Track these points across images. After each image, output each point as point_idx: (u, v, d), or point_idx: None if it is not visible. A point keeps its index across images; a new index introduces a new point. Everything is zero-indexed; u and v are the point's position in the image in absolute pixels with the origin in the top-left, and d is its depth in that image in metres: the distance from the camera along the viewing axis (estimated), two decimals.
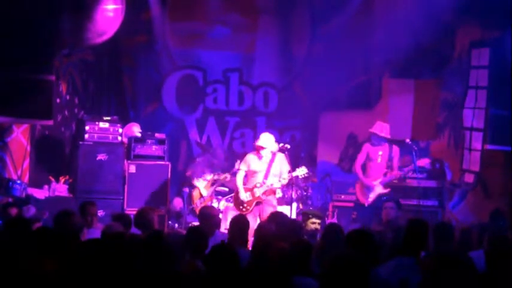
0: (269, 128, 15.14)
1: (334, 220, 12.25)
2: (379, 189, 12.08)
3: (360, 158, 12.37)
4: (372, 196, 12.08)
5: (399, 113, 14.03)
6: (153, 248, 6.11)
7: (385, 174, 12.14)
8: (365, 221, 11.77)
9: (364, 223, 11.37)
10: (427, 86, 14.05)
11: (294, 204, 11.81)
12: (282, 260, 5.86)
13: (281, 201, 12.47)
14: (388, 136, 12.20)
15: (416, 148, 12.08)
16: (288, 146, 11.67)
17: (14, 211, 9.63)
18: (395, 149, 12.18)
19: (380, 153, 12.18)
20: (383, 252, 6.98)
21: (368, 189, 12.18)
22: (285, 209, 11.24)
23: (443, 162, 13.09)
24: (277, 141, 12.38)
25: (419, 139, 13.59)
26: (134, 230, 8.26)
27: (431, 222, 8.05)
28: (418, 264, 6.43)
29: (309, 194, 13.14)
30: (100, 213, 10.10)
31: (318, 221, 8.90)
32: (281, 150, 11.66)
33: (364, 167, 12.34)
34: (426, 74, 14.13)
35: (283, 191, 12.74)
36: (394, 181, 12.20)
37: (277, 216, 8.52)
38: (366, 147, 12.33)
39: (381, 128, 12.21)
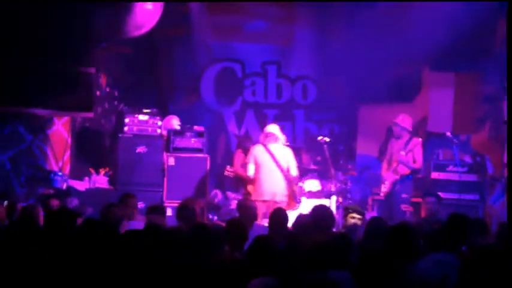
0: (307, 121, 15.15)
1: (374, 213, 12.19)
2: (390, 178, 11.97)
3: (387, 156, 12.31)
4: (385, 185, 11.99)
5: (439, 106, 13.93)
6: (197, 240, 6.18)
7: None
8: (382, 212, 11.72)
9: (381, 214, 11.32)
10: (468, 79, 13.93)
11: (333, 198, 11.80)
12: (317, 253, 5.85)
13: (320, 194, 12.46)
14: (410, 128, 12.09)
15: (457, 141, 11.98)
16: (327, 139, 11.65)
17: (55, 203, 9.72)
18: (416, 141, 12.00)
19: (398, 146, 12.07)
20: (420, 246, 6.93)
21: (383, 180, 12.13)
22: (324, 202, 11.18)
23: (485, 155, 12.97)
24: (316, 134, 12.40)
25: (460, 132, 13.49)
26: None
27: (471, 217, 7.99)
28: (458, 259, 6.37)
29: (348, 187, 13.10)
30: (140, 205, 10.16)
31: (358, 216, 8.85)
32: (320, 143, 11.66)
33: (389, 161, 12.23)
34: (466, 67, 14.00)
35: (322, 184, 12.73)
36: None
37: (317, 209, 8.48)
38: (391, 143, 12.26)
39: (403, 119, 12.11)
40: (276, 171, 11.06)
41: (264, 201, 10.81)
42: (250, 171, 11.17)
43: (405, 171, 11.91)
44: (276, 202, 10.81)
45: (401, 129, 12.04)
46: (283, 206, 10.86)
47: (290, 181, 11.10)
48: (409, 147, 11.85)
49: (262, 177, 11.08)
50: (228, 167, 12.44)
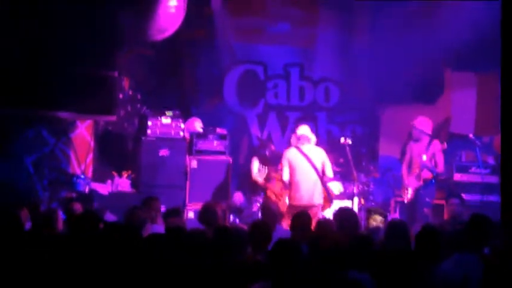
0: (330, 123, 15.12)
1: (396, 215, 12.16)
2: (413, 184, 11.91)
3: (406, 158, 12.25)
4: (409, 192, 11.93)
5: (462, 107, 13.87)
6: (220, 243, 6.21)
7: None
8: (405, 217, 11.66)
9: (404, 218, 11.27)
10: (491, 80, 13.82)
11: (356, 199, 11.76)
12: (338, 254, 5.85)
13: (342, 196, 12.44)
14: (429, 131, 12.02)
15: (479, 143, 11.91)
16: (350, 141, 11.63)
17: (77, 207, 9.75)
18: (436, 144, 11.94)
19: (418, 150, 12.01)
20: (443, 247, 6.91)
21: (406, 187, 12.06)
22: (346, 204, 11.16)
23: None
24: (338, 136, 12.36)
25: (482, 134, 13.42)
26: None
27: (494, 218, 7.94)
28: (480, 260, 6.36)
29: (370, 189, 13.08)
30: (162, 208, 10.17)
31: (379, 218, 8.82)
32: (342, 145, 11.63)
33: (410, 165, 12.18)
34: (489, 67, 13.91)
35: (344, 186, 12.71)
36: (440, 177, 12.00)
37: (342, 211, 8.46)
38: (410, 145, 12.19)
39: (421, 122, 12.04)
40: (311, 174, 10.93)
41: (302, 205, 10.65)
42: (285, 176, 11.05)
43: (428, 175, 11.85)
44: (314, 205, 10.76)
45: (419, 132, 11.96)
46: (320, 207, 10.89)
47: (325, 182, 11.06)
48: (431, 151, 11.79)
49: (298, 181, 10.91)
50: (254, 172, 12.42)
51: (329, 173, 11.12)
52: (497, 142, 13.33)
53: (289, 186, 11.06)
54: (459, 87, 14.06)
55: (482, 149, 12.08)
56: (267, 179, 12.20)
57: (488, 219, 7.39)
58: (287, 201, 11.25)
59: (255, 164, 12.55)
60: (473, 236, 6.84)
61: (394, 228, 7.48)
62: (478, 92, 13.90)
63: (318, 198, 10.94)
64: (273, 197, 12.00)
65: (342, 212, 8.34)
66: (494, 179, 12.60)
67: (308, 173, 10.94)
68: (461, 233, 7.04)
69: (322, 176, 11.00)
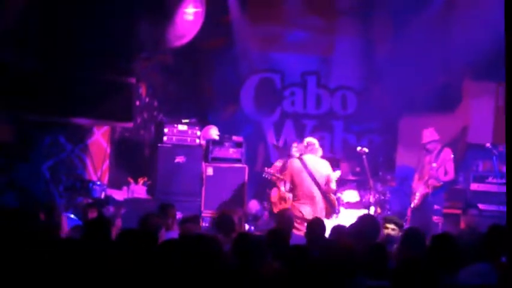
0: (346, 132, 15.09)
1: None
2: (421, 190, 11.85)
3: (418, 166, 12.21)
4: (416, 197, 11.86)
5: (480, 117, 13.81)
6: (240, 250, 6.20)
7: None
8: (413, 223, 11.56)
9: (413, 225, 11.17)
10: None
11: (372, 208, 11.71)
12: (350, 262, 5.82)
13: (359, 204, 12.41)
14: (437, 138, 11.97)
15: (496, 153, 11.85)
16: (367, 150, 11.58)
17: (93, 213, 9.75)
18: (447, 152, 11.89)
19: (429, 158, 11.96)
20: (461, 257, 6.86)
21: (414, 192, 12.01)
22: (363, 213, 11.10)
23: None
24: (355, 144, 12.31)
25: (500, 143, 13.33)
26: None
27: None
28: (497, 270, 6.31)
29: (386, 198, 13.02)
30: (178, 215, 10.16)
31: (391, 226, 8.75)
32: (359, 153, 11.58)
33: (421, 173, 12.11)
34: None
35: (360, 195, 12.67)
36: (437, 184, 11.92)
37: (363, 219, 8.39)
38: (423, 155, 12.15)
39: (427, 135, 12.01)
40: (313, 189, 10.79)
41: (306, 219, 10.52)
42: (286, 187, 11.02)
43: (437, 183, 11.81)
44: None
45: (434, 144, 11.96)
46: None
47: (326, 193, 10.92)
48: (441, 159, 11.74)
49: (300, 195, 10.78)
50: (266, 168, 12.30)
51: (333, 185, 11.00)
52: None
53: (293, 195, 10.97)
54: (478, 96, 14.00)
55: (499, 158, 12.00)
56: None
57: (506, 230, 7.34)
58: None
59: (278, 163, 12.53)
60: (490, 246, 6.79)
61: (410, 237, 7.43)
62: (496, 101, 13.82)
63: (320, 213, 10.78)
64: (276, 199, 11.94)
65: (365, 220, 8.28)
66: None
67: (309, 185, 10.76)
68: (479, 243, 6.99)
69: (323, 188, 10.85)
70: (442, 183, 11.79)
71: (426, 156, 11.99)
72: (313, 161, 10.85)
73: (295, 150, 11.45)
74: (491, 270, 6.30)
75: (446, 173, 11.82)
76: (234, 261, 6.23)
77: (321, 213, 10.67)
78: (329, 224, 10.74)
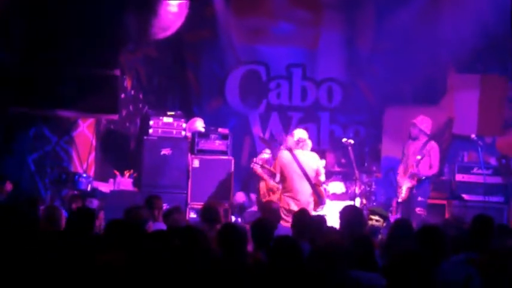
0: (333, 123, 15.10)
1: (399, 216, 12.12)
2: (407, 184, 11.88)
3: (402, 157, 12.21)
4: (403, 191, 11.89)
5: (465, 108, 13.86)
6: (226, 241, 6.21)
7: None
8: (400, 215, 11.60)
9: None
10: (494, 81, 13.84)
11: (358, 200, 11.75)
12: (340, 254, 5.83)
13: (344, 196, 12.44)
14: (428, 131, 11.98)
15: (481, 144, 11.90)
16: (352, 142, 11.60)
17: (78, 205, 9.76)
18: (432, 145, 11.89)
19: (414, 148, 11.96)
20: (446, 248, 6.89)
21: (400, 185, 12.02)
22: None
23: (510, 157, 12.87)
24: (341, 136, 12.33)
25: (485, 134, 13.41)
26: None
27: (496, 219, 7.93)
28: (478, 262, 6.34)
29: (372, 189, 13.06)
30: (164, 207, 10.18)
31: (375, 217, 8.79)
32: (345, 145, 11.60)
33: (405, 164, 12.12)
34: (493, 69, 13.92)
35: (346, 186, 12.70)
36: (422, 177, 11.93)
37: (347, 209, 8.41)
38: (407, 144, 12.15)
39: (422, 121, 12.00)
40: (303, 181, 10.84)
41: (294, 211, 10.50)
42: (276, 179, 11.04)
43: (420, 177, 11.82)
44: None
45: (419, 131, 11.93)
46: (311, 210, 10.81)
47: (315, 185, 10.95)
48: (425, 151, 11.74)
49: (290, 187, 10.80)
50: (254, 159, 12.33)
51: (322, 178, 11.05)
52: (500, 143, 13.34)
53: (282, 187, 10.99)
54: (462, 88, 14.04)
55: (484, 149, 12.07)
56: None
57: (492, 220, 7.39)
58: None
59: (265, 155, 12.53)
60: (476, 236, 6.83)
61: (399, 228, 7.46)
62: (481, 93, 13.88)
63: (307, 203, 10.80)
64: (264, 191, 11.96)
65: (348, 210, 8.30)
66: (496, 180, 12.59)
67: (299, 178, 10.78)
68: (464, 234, 7.02)
69: (313, 182, 10.88)
70: (425, 177, 11.80)
71: (411, 146, 12.00)
72: (302, 154, 10.88)
73: (290, 142, 11.42)
74: (477, 261, 6.32)
75: (431, 166, 11.84)
76: (218, 252, 6.25)
77: (309, 205, 10.71)
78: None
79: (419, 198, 11.82)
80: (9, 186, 10.70)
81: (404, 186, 11.82)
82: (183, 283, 5.41)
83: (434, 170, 11.92)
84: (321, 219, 8.21)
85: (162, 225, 8.27)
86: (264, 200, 11.79)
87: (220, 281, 5.47)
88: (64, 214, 8.26)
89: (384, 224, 8.86)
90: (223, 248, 6.29)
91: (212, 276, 5.49)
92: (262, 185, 12.05)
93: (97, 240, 6.46)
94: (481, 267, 5.85)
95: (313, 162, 10.90)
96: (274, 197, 11.57)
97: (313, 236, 7.46)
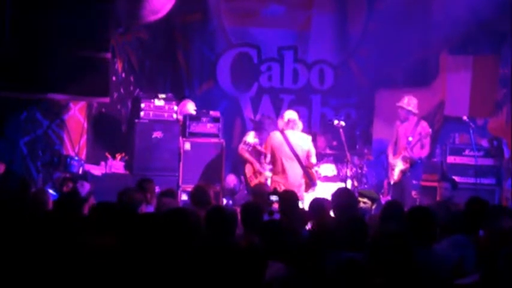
0: (325, 106, 15.10)
1: (389, 198, 12.15)
2: (400, 165, 11.87)
3: (392, 137, 12.20)
4: (395, 173, 11.90)
5: (457, 90, 13.88)
6: (214, 223, 6.21)
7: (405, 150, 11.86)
8: (392, 198, 11.59)
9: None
10: (486, 62, 13.86)
11: (349, 182, 11.77)
12: (332, 236, 5.85)
13: (336, 178, 12.46)
14: (416, 110, 11.96)
15: (473, 125, 11.92)
16: (344, 124, 11.60)
17: (69, 187, 9.76)
18: (424, 126, 11.88)
19: (405, 130, 11.95)
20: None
21: (392, 167, 12.02)
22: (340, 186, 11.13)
23: (502, 139, 12.90)
24: (332, 118, 12.33)
25: (477, 116, 13.43)
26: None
27: (488, 201, 7.96)
28: (475, 243, 6.36)
29: (363, 171, 13.08)
30: (156, 189, 10.18)
31: (363, 200, 8.82)
32: (336, 127, 11.61)
33: (396, 145, 12.12)
34: (485, 50, 13.93)
35: (337, 169, 12.72)
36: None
37: (339, 192, 8.42)
38: (396, 126, 12.14)
39: (408, 102, 11.97)
40: (293, 161, 10.87)
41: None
42: (267, 159, 11.04)
43: (415, 159, 11.81)
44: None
45: (407, 113, 11.91)
46: (302, 192, 10.82)
47: (307, 167, 10.97)
48: (418, 133, 11.72)
49: (281, 169, 10.83)
50: (246, 141, 12.29)
51: (313, 159, 11.07)
52: (492, 124, 13.37)
53: (273, 169, 11.00)
54: (454, 70, 14.05)
55: (476, 131, 12.09)
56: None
57: (485, 202, 7.42)
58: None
59: (250, 136, 12.51)
60: (469, 218, 6.85)
61: (390, 210, 7.48)
62: (473, 74, 13.89)
63: (299, 185, 10.82)
64: (251, 174, 11.98)
65: (340, 193, 8.31)
66: (487, 162, 12.62)
67: (290, 160, 10.82)
68: (457, 216, 7.04)
69: (304, 163, 10.89)
70: (415, 161, 11.80)
71: (401, 128, 11.98)
72: (293, 135, 10.89)
73: (280, 123, 11.41)
74: (470, 243, 6.35)
75: (422, 146, 11.84)
76: (207, 234, 6.24)
77: (301, 187, 10.73)
78: (307, 198, 10.86)
79: (414, 182, 11.86)
80: (1, 168, 10.69)
81: (397, 169, 11.81)
82: (173, 265, 5.41)
83: (426, 150, 11.92)
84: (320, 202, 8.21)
85: (153, 208, 8.28)
86: (251, 183, 11.82)
87: (210, 262, 5.48)
88: (53, 197, 8.24)
89: (373, 207, 8.90)
90: (211, 230, 6.28)
91: (201, 259, 5.49)
92: (248, 168, 12.08)
93: (83, 222, 6.46)
94: (481, 247, 5.89)
95: (304, 144, 10.93)
96: (261, 180, 11.61)
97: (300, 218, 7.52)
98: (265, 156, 11.04)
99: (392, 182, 11.93)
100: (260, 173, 11.86)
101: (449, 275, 5.66)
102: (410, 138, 11.67)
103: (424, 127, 11.82)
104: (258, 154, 12.13)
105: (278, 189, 10.41)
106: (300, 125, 11.09)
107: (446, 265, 5.90)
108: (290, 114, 11.09)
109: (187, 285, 5.17)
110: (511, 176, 12.66)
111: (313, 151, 11.03)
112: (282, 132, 10.94)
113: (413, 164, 11.75)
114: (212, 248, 5.65)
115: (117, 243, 5.59)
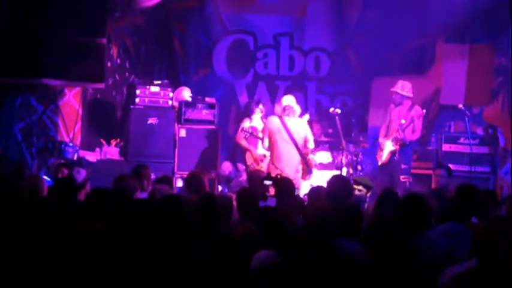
0: (320, 93, 15.09)
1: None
2: (389, 146, 11.84)
3: (385, 120, 12.19)
4: (384, 154, 11.88)
5: (453, 78, 13.87)
6: (206, 210, 6.21)
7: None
8: (380, 180, 11.57)
9: (380, 183, 11.17)
10: (482, 51, 13.84)
11: (344, 169, 11.77)
12: (328, 223, 5.85)
13: (331, 166, 12.46)
14: (410, 95, 11.93)
15: (469, 114, 11.92)
16: (339, 111, 11.59)
17: (64, 173, 9.74)
18: (417, 109, 11.82)
19: (398, 113, 11.92)
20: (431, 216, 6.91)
21: (381, 147, 12.01)
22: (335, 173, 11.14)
23: (497, 128, 12.91)
24: (328, 106, 12.31)
25: (472, 104, 13.43)
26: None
27: (483, 188, 7.97)
28: (468, 230, 6.35)
29: (359, 159, 13.07)
30: (153, 176, 10.17)
31: (358, 187, 8.82)
32: (332, 115, 11.59)
33: (388, 128, 12.09)
34: (481, 39, 13.91)
35: (333, 156, 12.71)
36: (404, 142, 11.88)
37: (334, 179, 8.42)
38: (390, 108, 12.12)
39: (402, 87, 11.95)
40: (291, 147, 10.82)
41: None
42: (265, 143, 11.02)
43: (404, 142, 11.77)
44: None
45: (401, 97, 11.88)
46: (299, 178, 10.82)
47: (304, 154, 10.96)
48: (410, 116, 11.69)
49: (277, 153, 10.86)
50: (243, 127, 12.23)
51: (310, 145, 11.05)
52: (487, 113, 13.37)
53: (270, 155, 11.00)
54: (451, 58, 14.04)
55: (471, 119, 12.09)
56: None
57: (476, 189, 7.41)
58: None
59: (246, 122, 12.46)
60: (461, 205, 6.83)
61: (385, 198, 7.47)
62: (469, 62, 13.88)
63: (296, 171, 10.82)
64: (251, 161, 11.96)
65: (335, 180, 8.31)
66: (483, 150, 12.64)
67: (287, 145, 10.80)
68: (449, 203, 7.04)
69: (302, 149, 10.88)
70: (409, 142, 11.78)
71: (394, 111, 11.96)
72: (291, 121, 10.87)
73: (278, 110, 11.40)
74: (462, 230, 6.34)
75: (414, 131, 11.81)
76: (198, 221, 6.24)
77: (298, 173, 10.73)
78: (304, 185, 10.87)
79: (403, 166, 11.84)
80: None
81: (387, 150, 11.78)
82: (164, 251, 5.41)
83: (417, 134, 11.89)
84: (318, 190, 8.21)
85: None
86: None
87: (204, 249, 5.49)
88: (47, 183, 8.22)
89: (369, 194, 8.90)
90: (203, 217, 6.29)
91: (193, 245, 5.50)
92: (248, 155, 12.05)
93: (78, 209, 6.46)
94: (477, 235, 5.87)
95: (302, 129, 10.91)
96: (261, 167, 11.58)
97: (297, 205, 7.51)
98: (263, 141, 11.00)
99: (380, 163, 11.91)
100: (262, 160, 11.84)
101: (442, 262, 5.65)
102: (403, 121, 11.63)
103: (417, 110, 11.78)
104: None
105: (274, 175, 10.44)
106: (298, 109, 11.06)
107: (438, 252, 5.90)
108: (287, 101, 11.04)
109: (180, 270, 5.18)
110: (505, 164, 12.69)
111: (310, 137, 11.00)
112: (280, 117, 10.93)
113: (402, 146, 11.70)
114: (202, 235, 5.67)
115: (108, 229, 5.59)
